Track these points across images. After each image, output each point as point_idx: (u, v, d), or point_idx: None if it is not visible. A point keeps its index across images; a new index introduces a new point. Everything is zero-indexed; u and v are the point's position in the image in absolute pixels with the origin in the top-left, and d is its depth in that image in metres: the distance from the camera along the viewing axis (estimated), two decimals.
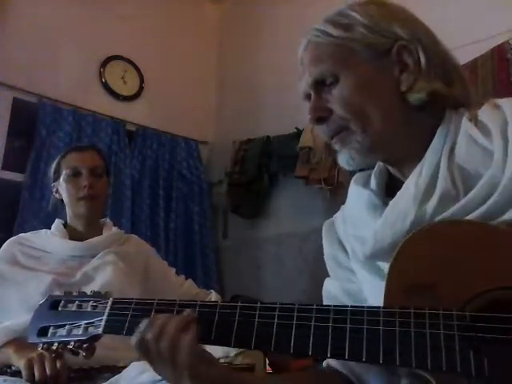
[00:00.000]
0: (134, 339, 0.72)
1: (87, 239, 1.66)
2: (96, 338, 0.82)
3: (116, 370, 1.35)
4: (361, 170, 0.93)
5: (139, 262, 1.71)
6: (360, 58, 0.82)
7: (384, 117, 0.81)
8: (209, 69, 3.87)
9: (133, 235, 1.86)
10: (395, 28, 0.82)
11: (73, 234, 1.68)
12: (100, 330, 0.80)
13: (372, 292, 0.80)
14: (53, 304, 0.89)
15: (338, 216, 0.96)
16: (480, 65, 2.29)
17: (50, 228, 1.71)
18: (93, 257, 1.61)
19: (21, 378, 1.29)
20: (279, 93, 3.35)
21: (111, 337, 0.83)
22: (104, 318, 0.80)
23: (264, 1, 3.65)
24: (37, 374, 1.26)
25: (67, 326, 0.84)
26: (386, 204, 0.82)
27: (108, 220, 1.80)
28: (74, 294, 0.90)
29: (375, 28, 0.82)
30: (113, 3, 3.41)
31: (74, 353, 0.83)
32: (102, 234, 1.71)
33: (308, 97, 0.88)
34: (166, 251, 3.22)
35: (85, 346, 0.82)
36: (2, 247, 1.64)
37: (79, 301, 0.86)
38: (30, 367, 1.27)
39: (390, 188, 0.87)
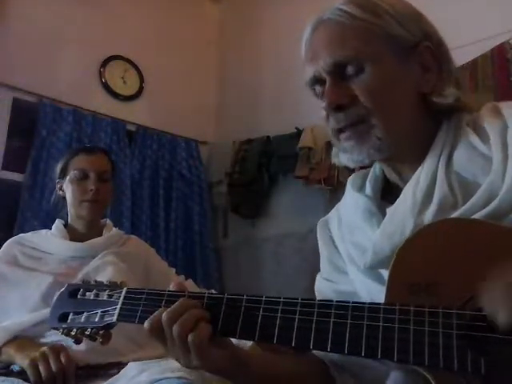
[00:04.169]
0: (146, 322, 0.73)
1: (87, 240, 1.66)
2: (111, 325, 0.85)
3: (122, 366, 1.35)
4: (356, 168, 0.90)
5: (139, 263, 1.71)
6: (386, 49, 0.77)
7: (404, 115, 0.79)
8: (209, 69, 3.88)
9: (133, 236, 1.86)
10: (421, 27, 0.80)
11: (73, 235, 1.67)
12: (114, 319, 0.83)
13: (370, 297, 0.80)
14: (72, 292, 0.94)
15: (332, 215, 0.95)
16: (480, 65, 2.29)
17: (50, 228, 1.71)
18: (93, 257, 1.61)
19: (17, 378, 1.29)
20: (279, 93, 3.36)
21: (118, 334, 0.85)
22: (118, 306, 0.84)
23: (264, 0, 3.65)
24: (43, 371, 1.27)
25: (85, 314, 0.88)
26: (382, 210, 0.81)
27: (108, 221, 1.79)
28: (92, 283, 0.94)
29: (402, 21, 0.78)
30: (113, 3, 3.42)
31: (92, 339, 0.86)
32: (102, 235, 1.71)
33: (317, 82, 0.81)
34: (166, 251, 3.22)
35: (101, 332, 0.86)
36: (2, 247, 1.63)
37: (96, 289, 0.90)
38: (35, 366, 1.28)
39: (385, 192, 0.86)
